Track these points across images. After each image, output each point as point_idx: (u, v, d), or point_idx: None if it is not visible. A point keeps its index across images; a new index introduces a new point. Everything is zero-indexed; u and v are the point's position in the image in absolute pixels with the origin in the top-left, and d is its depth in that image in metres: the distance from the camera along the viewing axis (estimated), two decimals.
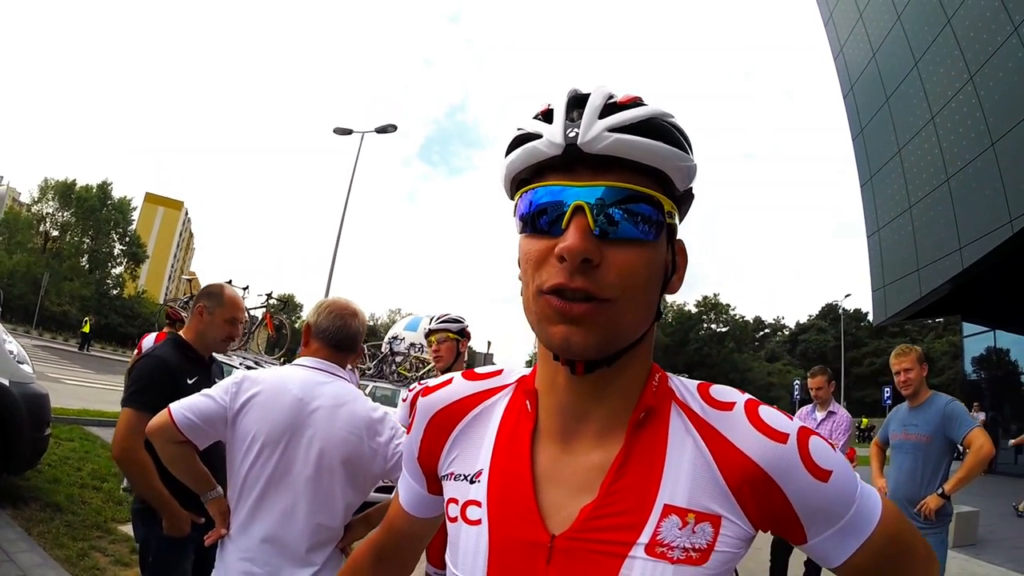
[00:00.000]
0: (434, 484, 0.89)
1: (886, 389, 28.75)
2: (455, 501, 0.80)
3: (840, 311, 48.14)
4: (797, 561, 4.57)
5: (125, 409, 2.18)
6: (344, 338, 1.98)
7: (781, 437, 0.70)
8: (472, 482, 0.78)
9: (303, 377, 1.88)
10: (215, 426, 1.78)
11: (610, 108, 0.67)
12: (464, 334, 3.36)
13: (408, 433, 0.91)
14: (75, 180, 46.89)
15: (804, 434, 0.71)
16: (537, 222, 0.68)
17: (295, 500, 1.75)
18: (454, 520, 0.79)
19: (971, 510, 7.35)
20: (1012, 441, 3.31)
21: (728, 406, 0.73)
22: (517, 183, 0.73)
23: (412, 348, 12.37)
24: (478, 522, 0.75)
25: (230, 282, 5.28)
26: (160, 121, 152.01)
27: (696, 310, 69.01)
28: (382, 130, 16.72)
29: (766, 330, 78.10)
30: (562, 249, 0.63)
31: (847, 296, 51.35)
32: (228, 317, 2.51)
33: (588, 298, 0.64)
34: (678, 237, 0.76)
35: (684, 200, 0.74)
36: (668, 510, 0.68)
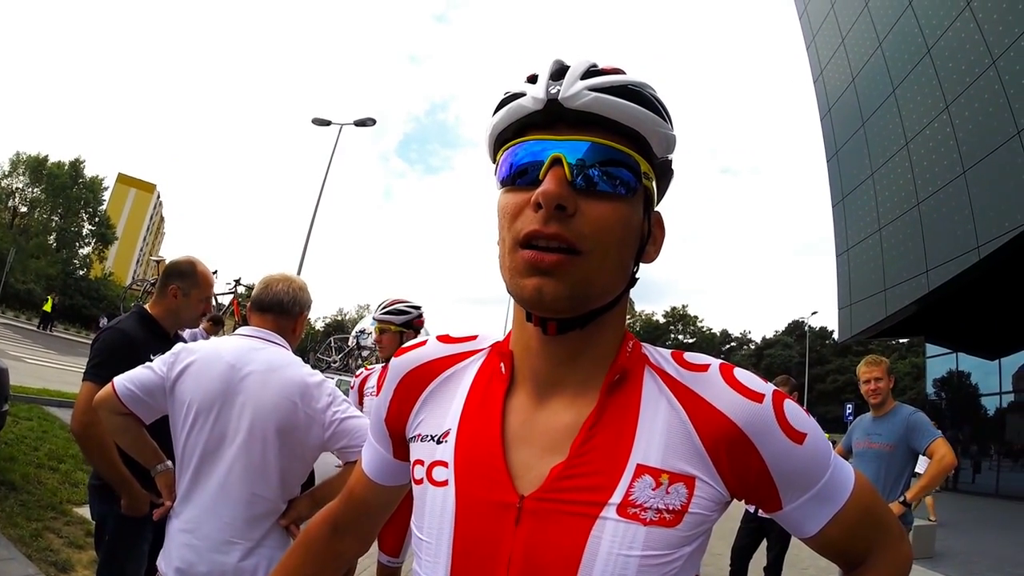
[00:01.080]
0: (400, 448, 0.87)
1: (848, 406, 29.27)
2: (421, 463, 0.78)
3: (806, 328, 48.95)
4: (757, 567, 4.60)
5: (85, 383, 2.12)
6: (267, 300, 1.95)
7: (757, 397, 0.70)
8: (439, 442, 0.77)
9: (237, 344, 1.86)
10: (155, 397, 1.77)
11: (592, 72, 0.68)
12: (412, 325, 3.25)
13: (377, 395, 0.90)
14: (47, 156, 45.74)
15: (779, 396, 0.71)
16: (517, 175, 0.69)
17: (229, 469, 1.72)
18: (419, 482, 0.77)
19: (930, 524, 7.56)
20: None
21: (703, 368, 0.73)
22: (500, 143, 0.73)
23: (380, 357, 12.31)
24: (444, 483, 0.73)
25: None
26: (137, 101, 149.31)
27: (664, 320, 69.58)
28: (361, 123, 16.63)
29: (732, 343, 78.91)
30: (538, 194, 0.64)
31: (814, 313, 52.01)
32: (203, 296, 2.48)
33: (561, 249, 0.64)
34: (656, 208, 0.76)
35: (663, 174, 0.75)
36: (641, 470, 0.67)
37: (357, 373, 3.59)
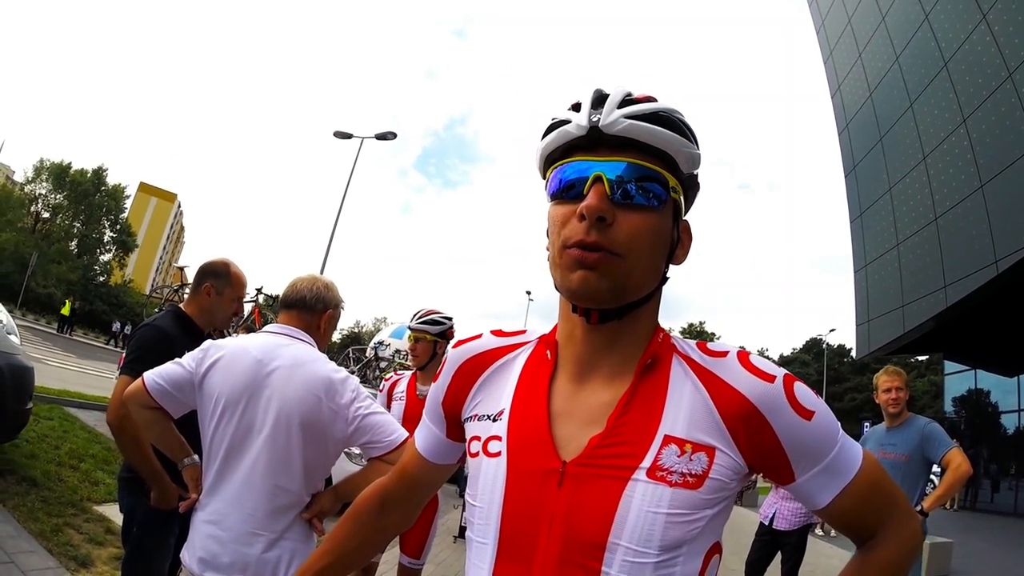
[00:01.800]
0: (453, 429, 1.00)
1: (866, 424, 28.92)
2: (477, 438, 0.89)
3: (824, 345, 48.42)
4: None
5: (121, 376, 2.20)
6: (291, 298, 2.01)
7: (769, 378, 0.80)
8: (495, 420, 0.88)
9: (263, 341, 1.91)
10: (184, 392, 1.83)
11: (628, 102, 0.80)
12: (445, 336, 3.35)
13: (435, 382, 1.01)
14: (71, 163, 46.46)
15: (790, 378, 0.81)
16: (565, 191, 0.81)
17: (254, 461, 1.77)
18: (475, 455, 0.89)
19: (946, 541, 7.45)
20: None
21: (723, 354, 0.84)
22: (549, 162, 0.85)
23: (397, 355, 12.39)
24: (498, 454, 0.85)
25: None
26: (161, 112, 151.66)
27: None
28: (382, 137, 16.82)
29: None
30: (583, 208, 0.76)
31: (831, 331, 51.24)
32: (236, 296, 2.56)
33: (601, 250, 0.76)
34: (684, 217, 0.87)
35: (690, 186, 0.86)
36: (668, 440, 0.77)
37: (387, 377, 3.68)
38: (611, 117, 0.78)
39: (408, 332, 3.40)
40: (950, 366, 16.99)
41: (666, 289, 0.88)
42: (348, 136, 17.02)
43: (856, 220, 16.34)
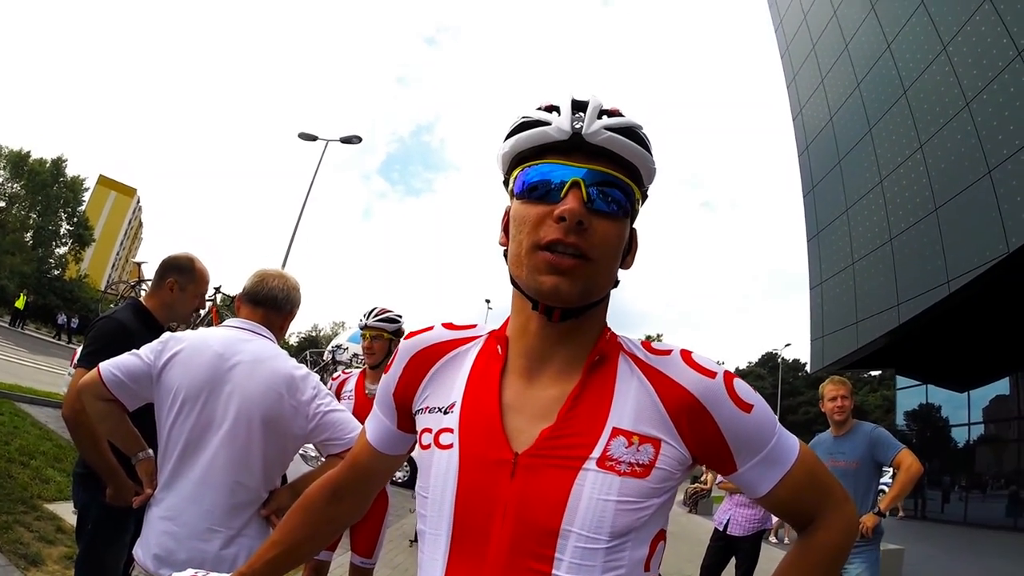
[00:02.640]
0: (404, 420, 1.00)
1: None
2: (429, 431, 0.90)
3: (779, 360, 49.38)
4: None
5: (78, 368, 2.16)
6: (261, 294, 2.00)
7: (710, 374, 0.85)
8: (446, 413, 0.90)
9: (225, 335, 1.90)
10: (141, 384, 1.79)
11: (603, 113, 0.83)
12: (399, 333, 3.38)
13: (387, 372, 1.01)
14: (29, 151, 44.93)
15: (729, 374, 0.86)
16: (536, 191, 0.83)
17: (213, 457, 1.74)
18: (427, 447, 0.90)
19: (897, 548, 7.69)
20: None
21: (667, 352, 0.88)
22: (517, 160, 0.87)
23: (355, 359, 12.25)
24: (449, 446, 0.86)
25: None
26: (123, 104, 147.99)
27: None
28: (347, 140, 16.62)
29: None
30: (564, 210, 0.79)
31: (787, 345, 52.15)
32: (199, 292, 2.53)
33: (576, 255, 0.80)
34: (634, 225, 0.91)
35: (643, 198, 0.90)
36: (616, 432, 0.81)
37: (334, 376, 3.66)
38: (594, 127, 0.80)
39: (363, 330, 3.40)
40: (902, 381, 17.50)
41: (625, 302, 0.94)
42: (313, 138, 16.74)
43: (813, 239, 16.78)
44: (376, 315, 3.38)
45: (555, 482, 0.79)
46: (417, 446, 0.94)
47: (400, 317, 3.42)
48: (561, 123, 0.82)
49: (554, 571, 0.77)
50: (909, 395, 17.34)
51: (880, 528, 3.57)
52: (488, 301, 37.18)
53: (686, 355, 0.87)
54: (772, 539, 11.11)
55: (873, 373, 37.88)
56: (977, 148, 9.98)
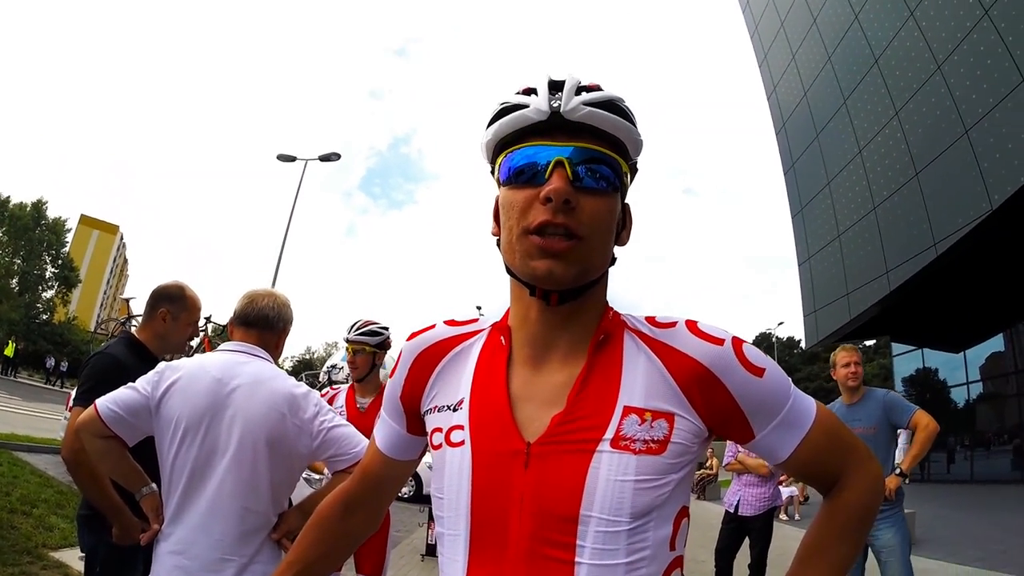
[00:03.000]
0: (414, 423, 0.98)
1: None
2: (439, 430, 0.88)
3: (774, 339, 49.63)
4: (741, 568, 4.67)
5: (74, 408, 2.11)
6: (252, 314, 1.97)
7: (718, 341, 0.83)
8: (455, 410, 0.88)
9: (222, 359, 1.87)
10: (140, 418, 1.76)
11: (581, 89, 0.81)
12: (384, 346, 3.37)
13: (392, 377, 0.99)
14: (9, 197, 44.50)
15: (738, 340, 0.84)
16: (522, 175, 0.81)
17: (220, 484, 1.71)
18: (438, 447, 0.88)
19: (908, 512, 7.72)
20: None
21: (672, 324, 0.86)
22: (501, 146, 0.85)
23: (351, 379, 12.17)
24: (462, 443, 0.84)
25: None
26: (98, 140, 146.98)
27: None
28: (325, 158, 16.55)
29: None
30: (549, 191, 0.77)
31: (780, 324, 52.42)
32: (192, 320, 2.49)
33: (567, 235, 0.77)
34: (627, 200, 0.89)
35: (632, 171, 0.88)
36: (628, 410, 0.79)
37: (323, 393, 3.63)
38: (572, 103, 0.78)
39: (346, 344, 3.37)
40: (897, 348, 17.63)
41: (616, 291, 0.90)
42: (291, 159, 16.67)
43: (797, 215, 16.87)
44: (358, 328, 3.35)
45: (570, 468, 0.77)
46: (429, 447, 0.92)
47: (385, 329, 3.39)
48: (539, 103, 0.80)
49: (577, 559, 0.75)
50: (905, 361, 17.48)
51: (901, 490, 3.60)
52: (479, 308, 37.25)
53: (691, 325, 0.85)
54: (783, 516, 11.15)
55: (868, 343, 38.12)
56: (952, 110, 10.08)
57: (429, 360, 0.94)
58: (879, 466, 0.91)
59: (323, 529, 1.07)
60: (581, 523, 0.75)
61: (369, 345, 3.31)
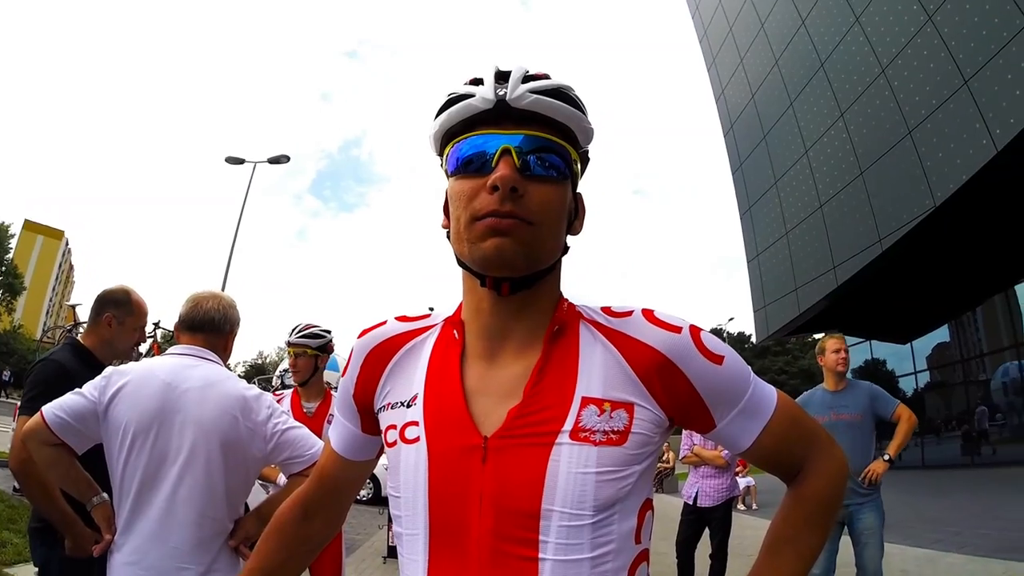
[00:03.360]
0: (368, 422, 0.96)
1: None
2: (393, 427, 0.86)
3: (724, 335, 50.66)
4: (702, 559, 4.76)
5: (21, 418, 2.05)
6: (198, 318, 1.94)
7: (676, 329, 0.82)
8: (409, 406, 0.86)
9: (170, 363, 1.83)
10: (88, 424, 1.71)
11: (529, 78, 0.81)
12: (326, 349, 3.32)
13: (343, 375, 0.97)
14: None
15: (695, 328, 0.84)
16: (470, 164, 0.80)
17: (173, 491, 1.67)
18: (393, 444, 0.86)
19: None
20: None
21: (627, 313, 0.85)
22: (448, 137, 0.84)
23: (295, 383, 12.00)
24: (416, 439, 0.82)
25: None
26: (42, 143, 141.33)
27: None
28: (275, 160, 16.28)
29: None
30: (496, 179, 0.76)
31: (731, 320, 53.27)
32: (138, 325, 2.43)
33: (514, 218, 0.77)
34: (578, 190, 0.89)
35: (583, 160, 0.88)
36: (586, 401, 0.78)
37: (276, 393, 3.58)
38: (517, 91, 0.77)
39: (288, 347, 3.31)
40: (846, 340, 18.17)
41: (566, 290, 0.90)
42: (240, 161, 16.33)
43: (745, 214, 17.25)
44: (300, 331, 3.29)
45: (529, 461, 0.75)
46: (384, 445, 0.90)
47: (328, 332, 3.34)
48: (485, 92, 0.79)
49: (541, 555, 0.73)
50: (854, 353, 17.86)
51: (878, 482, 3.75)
52: (432, 309, 37.07)
53: (648, 313, 0.84)
54: (740, 506, 11.39)
55: (817, 336, 39.16)
56: (896, 111, 10.47)
57: (381, 357, 0.92)
58: (842, 452, 0.90)
59: (282, 535, 1.04)
60: (543, 518, 0.74)
61: (311, 348, 3.26)
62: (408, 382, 0.89)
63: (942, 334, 15.80)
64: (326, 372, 3.43)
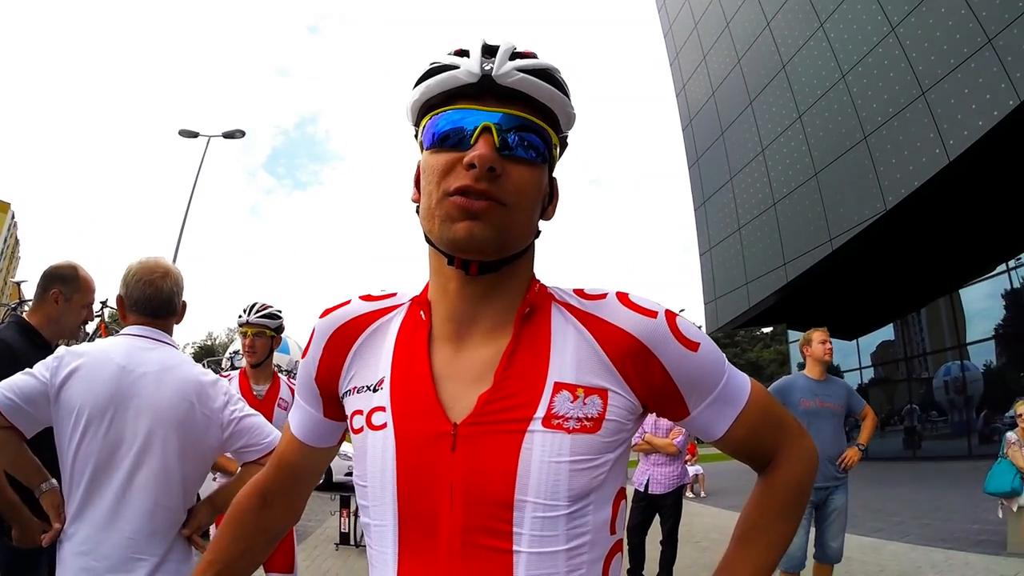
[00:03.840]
0: (331, 407, 0.91)
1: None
2: (359, 412, 0.82)
3: None
4: (653, 544, 4.83)
5: None
6: (160, 303, 1.84)
7: (651, 314, 0.80)
8: (375, 391, 0.81)
9: (126, 345, 1.75)
10: (38, 406, 1.62)
11: (516, 56, 0.77)
12: (280, 330, 3.28)
13: (304, 357, 0.91)
14: None
15: (671, 313, 0.81)
16: (447, 139, 0.76)
17: (128, 478, 1.61)
18: (359, 431, 0.81)
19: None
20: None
21: (602, 296, 0.82)
22: (425, 109, 0.80)
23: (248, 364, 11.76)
24: (383, 426, 0.78)
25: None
26: None
27: None
28: (229, 135, 15.88)
29: None
30: (474, 157, 0.72)
31: (682, 311, 54.20)
32: (86, 302, 2.31)
33: (488, 199, 0.73)
34: (554, 175, 0.86)
35: (562, 144, 0.85)
36: (559, 387, 0.75)
37: (225, 374, 3.51)
38: (504, 68, 0.74)
39: (242, 327, 3.22)
40: (794, 335, 18.77)
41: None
42: (194, 135, 15.87)
43: (700, 207, 17.66)
44: (258, 311, 3.20)
45: (501, 450, 0.72)
46: (349, 431, 0.84)
47: (281, 313, 3.29)
48: (470, 65, 0.75)
49: (515, 547, 0.70)
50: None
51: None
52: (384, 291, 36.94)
53: (623, 297, 0.82)
54: (689, 494, 11.67)
55: (765, 330, 40.51)
56: (853, 116, 10.84)
57: (345, 338, 0.87)
58: (812, 441, 0.92)
59: (241, 524, 1.00)
60: (517, 509, 0.71)
61: (269, 328, 3.20)
62: (374, 365, 0.84)
63: (887, 332, 16.50)
64: (276, 355, 3.35)
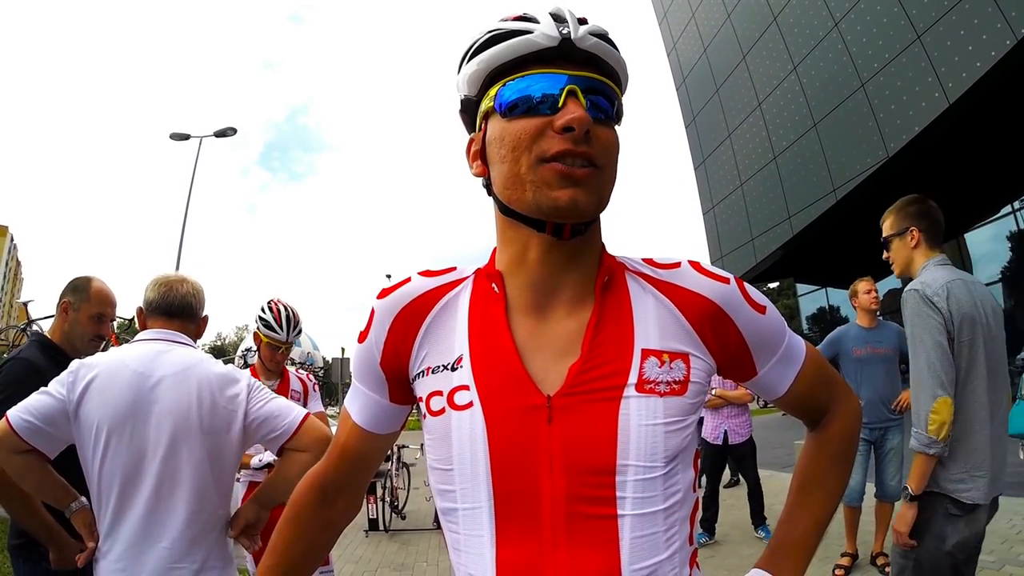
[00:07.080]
0: (398, 391, 0.89)
1: None
2: (439, 393, 0.80)
3: None
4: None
5: None
6: (174, 303, 1.83)
7: (724, 280, 0.83)
8: (454, 369, 0.80)
9: (141, 350, 1.71)
10: (58, 425, 1.58)
11: (581, 22, 0.78)
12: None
13: (362, 342, 0.89)
14: None
15: (739, 280, 0.85)
16: (530, 103, 0.75)
17: (156, 488, 1.57)
18: (440, 412, 0.79)
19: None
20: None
21: (675, 265, 0.85)
22: (493, 76, 0.78)
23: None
24: (469, 405, 0.77)
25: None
26: None
27: None
28: (221, 134, 15.87)
29: None
30: (570, 119, 0.72)
31: None
32: (94, 313, 2.23)
33: (587, 164, 0.73)
34: None
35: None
36: (646, 353, 0.77)
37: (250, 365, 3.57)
38: (580, 32, 0.75)
39: (279, 344, 3.27)
40: (801, 288, 18.74)
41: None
42: (185, 137, 15.94)
43: (700, 166, 17.45)
44: (293, 327, 3.25)
45: (599, 418, 0.73)
46: (426, 415, 0.82)
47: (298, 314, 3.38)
48: (547, 29, 0.74)
49: (619, 511, 0.72)
50: (809, 300, 18.60)
51: None
52: (389, 276, 36.88)
53: (696, 265, 0.85)
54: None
55: (772, 285, 40.50)
56: (849, 64, 10.63)
57: (412, 317, 0.85)
58: (858, 401, 0.98)
59: (302, 522, 0.98)
60: (619, 473, 0.72)
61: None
62: (448, 343, 0.83)
63: (892, 281, 16.39)
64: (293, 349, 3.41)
